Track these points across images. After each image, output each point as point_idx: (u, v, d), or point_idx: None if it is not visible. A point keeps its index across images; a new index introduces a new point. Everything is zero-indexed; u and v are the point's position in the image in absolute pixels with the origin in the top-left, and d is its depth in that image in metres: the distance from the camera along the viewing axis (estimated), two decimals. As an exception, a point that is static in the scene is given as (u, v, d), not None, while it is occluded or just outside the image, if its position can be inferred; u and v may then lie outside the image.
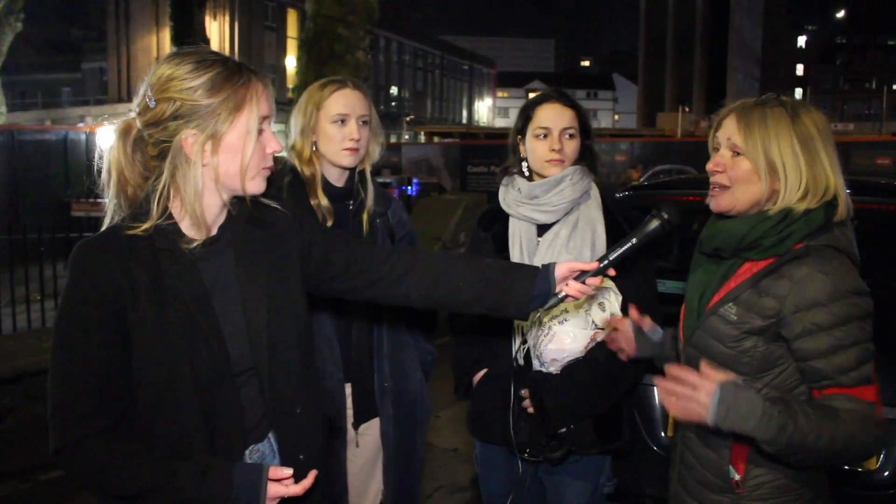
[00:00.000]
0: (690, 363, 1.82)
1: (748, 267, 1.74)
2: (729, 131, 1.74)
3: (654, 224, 1.74)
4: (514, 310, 1.77)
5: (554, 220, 2.30)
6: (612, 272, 1.74)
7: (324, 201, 2.35)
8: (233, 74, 1.51)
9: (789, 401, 1.57)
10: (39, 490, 4.17)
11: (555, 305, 1.76)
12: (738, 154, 1.72)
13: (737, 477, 1.72)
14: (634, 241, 1.73)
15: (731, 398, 1.53)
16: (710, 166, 1.78)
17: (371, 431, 2.52)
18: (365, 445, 2.52)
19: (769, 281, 1.68)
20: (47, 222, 7.65)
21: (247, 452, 1.61)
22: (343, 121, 2.34)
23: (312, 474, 1.55)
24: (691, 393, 1.56)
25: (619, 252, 1.73)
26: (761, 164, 1.69)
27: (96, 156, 1.59)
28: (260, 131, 1.55)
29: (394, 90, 52.86)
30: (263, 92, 1.55)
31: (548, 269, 1.74)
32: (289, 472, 1.51)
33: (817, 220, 1.68)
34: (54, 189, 13.15)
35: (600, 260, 1.74)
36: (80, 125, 26.15)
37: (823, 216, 1.68)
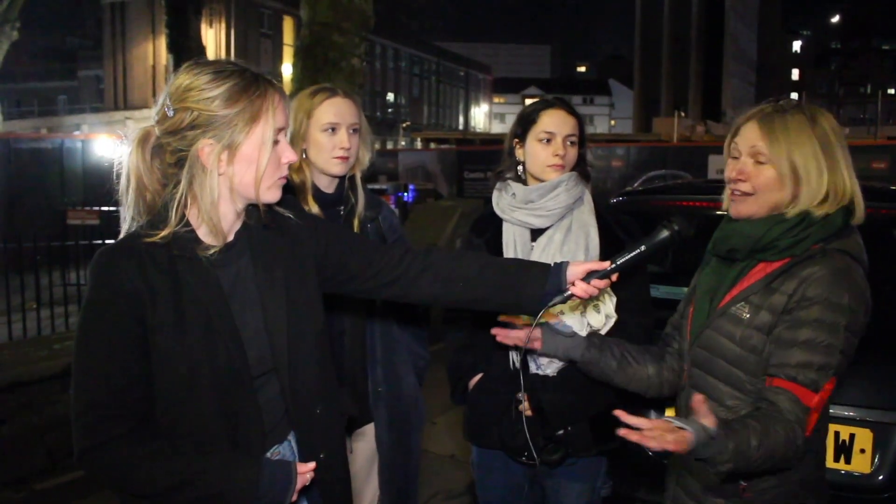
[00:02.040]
0: (697, 364, 1.83)
1: (762, 267, 1.75)
2: (751, 139, 1.74)
3: (665, 234, 1.73)
4: (526, 306, 1.79)
5: (548, 224, 2.31)
6: (614, 277, 1.75)
7: (314, 208, 2.35)
8: (250, 85, 1.53)
9: (740, 435, 1.56)
10: (33, 499, 4.17)
11: (560, 303, 1.76)
12: (762, 162, 1.73)
13: (742, 483, 1.73)
14: (644, 248, 1.73)
15: (699, 448, 1.52)
16: (732, 175, 1.78)
17: (365, 437, 2.52)
18: (359, 451, 2.52)
19: (781, 280, 1.70)
20: (43, 230, 7.65)
21: (268, 455, 1.63)
22: (333, 129, 2.35)
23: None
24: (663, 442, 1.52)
25: (627, 257, 1.73)
26: (786, 172, 1.70)
27: (115, 162, 1.61)
28: (275, 142, 1.57)
29: (390, 96, 52.90)
30: (280, 103, 1.57)
31: (560, 266, 1.75)
32: (312, 465, 1.55)
33: (835, 223, 1.70)
34: (50, 197, 13.16)
35: (610, 262, 1.74)
36: (76, 133, 26.18)
37: (841, 220, 1.71)
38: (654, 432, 1.47)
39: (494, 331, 1.97)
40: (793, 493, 1.72)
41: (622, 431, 1.50)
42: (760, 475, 1.70)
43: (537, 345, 1.99)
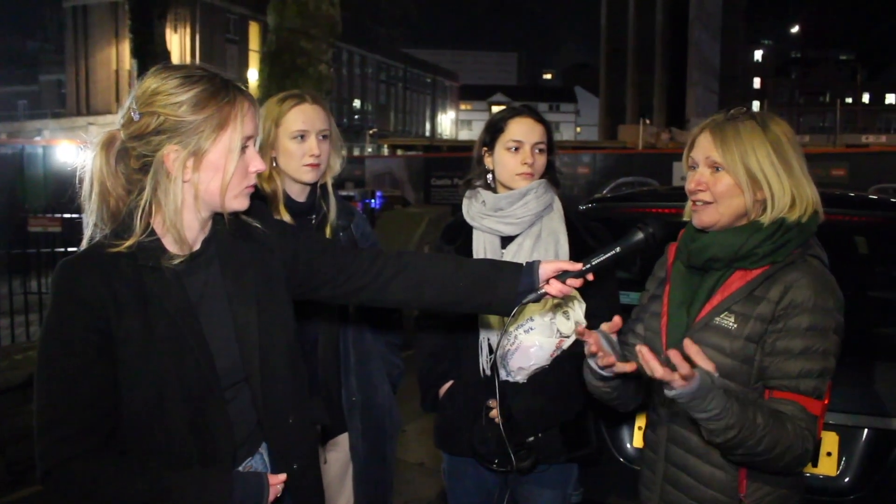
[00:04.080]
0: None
1: (740, 275, 1.77)
2: (705, 149, 1.77)
3: (639, 236, 1.75)
4: (500, 307, 1.79)
5: (518, 232, 2.31)
6: (590, 277, 1.76)
7: (286, 217, 2.32)
8: (218, 91, 1.50)
9: (745, 403, 1.58)
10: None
11: (534, 301, 1.77)
12: (718, 170, 1.75)
13: (742, 493, 1.75)
14: (618, 249, 1.75)
15: (703, 393, 1.50)
16: (691, 186, 1.80)
17: (339, 447, 2.50)
18: (333, 461, 2.50)
19: (765, 287, 1.72)
20: (2, 238, 7.50)
21: (240, 468, 1.60)
22: (303, 136, 2.32)
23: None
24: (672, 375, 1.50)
25: (601, 258, 1.74)
26: (742, 177, 1.72)
27: (78, 167, 1.57)
28: (243, 150, 1.54)
29: (357, 103, 52.81)
30: (249, 110, 1.55)
31: (532, 266, 1.75)
32: (283, 476, 1.54)
33: (811, 229, 1.73)
34: (10, 204, 12.90)
35: (583, 263, 1.75)
36: (37, 139, 25.73)
37: (815, 226, 1.74)
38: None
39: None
40: (785, 496, 1.75)
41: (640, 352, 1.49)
42: (760, 471, 1.71)
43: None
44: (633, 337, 2.03)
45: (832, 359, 1.66)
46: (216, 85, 1.51)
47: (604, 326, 1.74)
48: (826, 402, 1.67)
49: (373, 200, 19.30)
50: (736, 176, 1.73)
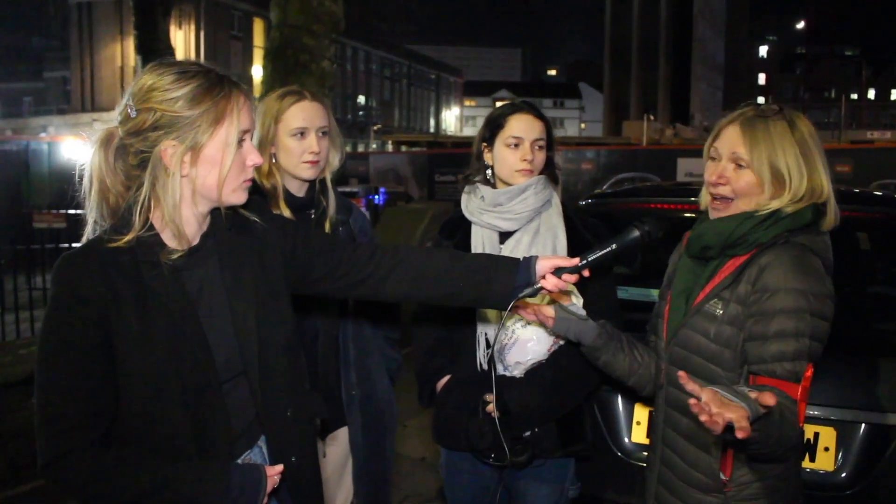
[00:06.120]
0: (674, 362, 1.86)
1: (732, 262, 1.79)
2: (732, 143, 1.78)
3: (635, 234, 1.76)
4: (496, 301, 1.80)
5: (516, 227, 2.32)
6: (586, 273, 1.77)
7: (285, 212, 2.33)
8: (214, 87, 1.52)
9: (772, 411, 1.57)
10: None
11: (530, 296, 1.78)
12: (742, 167, 1.76)
13: (724, 477, 1.76)
14: (614, 246, 1.76)
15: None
16: (712, 178, 1.82)
17: (338, 441, 2.51)
18: (332, 455, 2.52)
19: (747, 270, 1.74)
20: (7, 234, 7.53)
21: (238, 461, 1.61)
22: (302, 134, 2.33)
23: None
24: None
25: (597, 255, 1.76)
26: (766, 176, 1.74)
27: (78, 164, 1.58)
28: (240, 144, 1.55)
29: (361, 99, 52.72)
30: (245, 105, 1.56)
31: (529, 261, 1.76)
32: (280, 468, 1.56)
33: (804, 217, 1.75)
34: (15, 200, 12.91)
35: (580, 259, 1.76)
36: (42, 135, 25.75)
37: (810, 215, 1.75)
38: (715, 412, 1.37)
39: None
40: (773, 486, 1.75)
41: (692, 402, 1.40)
42: (755, 458, 1.72)
43: (550, 323, 1.98)
44: (650, 332, 2.06)
45: (807, 340, 1.65)
46: (211, 80, 1.52)
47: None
48: (806, 384, 1.66)
49: (377, 196, 19.27)
50: (760, 175, 1.74)
